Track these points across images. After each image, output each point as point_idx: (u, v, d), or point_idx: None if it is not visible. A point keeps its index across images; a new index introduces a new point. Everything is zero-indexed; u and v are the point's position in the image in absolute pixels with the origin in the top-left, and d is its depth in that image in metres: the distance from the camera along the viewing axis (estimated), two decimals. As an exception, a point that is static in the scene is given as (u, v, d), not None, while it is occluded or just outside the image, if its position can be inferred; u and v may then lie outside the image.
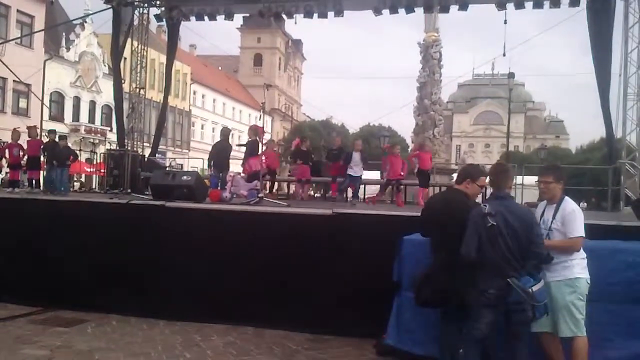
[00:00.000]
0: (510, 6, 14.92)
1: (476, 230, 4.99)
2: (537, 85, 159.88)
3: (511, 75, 34.96)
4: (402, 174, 13.61)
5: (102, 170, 18.48)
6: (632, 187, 13.60)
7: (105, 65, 41.94)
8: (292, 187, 21.56)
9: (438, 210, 5.63)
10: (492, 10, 15.09)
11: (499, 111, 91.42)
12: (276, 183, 17.26)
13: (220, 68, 73.08)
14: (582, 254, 5.27)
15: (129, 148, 17.16)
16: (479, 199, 5.87)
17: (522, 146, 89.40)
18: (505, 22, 15.30)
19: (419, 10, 16.11)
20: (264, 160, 13.58)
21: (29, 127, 15.67)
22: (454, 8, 15.51)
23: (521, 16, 16.25)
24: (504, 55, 16.19)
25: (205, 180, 12.13)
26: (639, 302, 5.90)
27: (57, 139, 15.02)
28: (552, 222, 5.28)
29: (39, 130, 17.07)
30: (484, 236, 4.95)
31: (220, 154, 12.95)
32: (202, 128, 59.92)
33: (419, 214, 6.07)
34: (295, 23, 17.32)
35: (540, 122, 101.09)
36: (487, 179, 5.58)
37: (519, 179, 16.39)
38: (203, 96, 60.44)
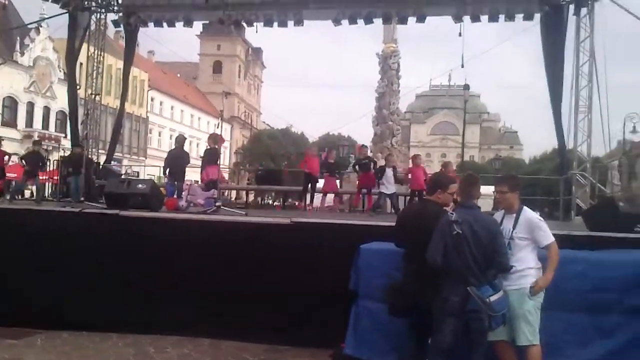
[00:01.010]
0: (466, 19, 15.27)
1: (442, 237, 5.04)
2: (493, 97, 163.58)
3: (466, 86, 35.60)
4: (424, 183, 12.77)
5: (56, 178, 18.02)
6: (583, 197, 13.98)
7: (60, 71, 40.96)
8: (251, 196, 21.44)
9: (411, 221, 5.68)
10: (449, 23, 15.42)
11: (455, 122, 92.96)
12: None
13: (179, 75, 72.30)
14: (538, 263, 5.37)
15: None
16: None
17: (478, 156, 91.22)
18: (460, 34, 15.53)
19: (378, 21, 16.34)
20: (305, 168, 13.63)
21: None
22: (412, 20, 15.81)
23: (478, 28, 16.58)
24: (462, 66, 16.41)
25: (161, 188, 11.94)
26: (590, 310, 6.06)
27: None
28: (512, 231, 5.34)
29: None
30: (450, 244, 5.01)
31: (176, 162, 12.78)
32: (159, 135, 59.10)
33: (379, 223, 6.11)
34: (256, 32, 17.34)
35: (495, 132, 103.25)
36: (458, 188, 5.66)
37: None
38: (161, 103, 59.66)
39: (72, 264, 8.02)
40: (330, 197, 15.42)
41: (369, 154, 16.90)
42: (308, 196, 14.56)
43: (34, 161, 14.26)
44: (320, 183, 14.86)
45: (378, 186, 13.22)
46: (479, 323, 4.95)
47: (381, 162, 14.72)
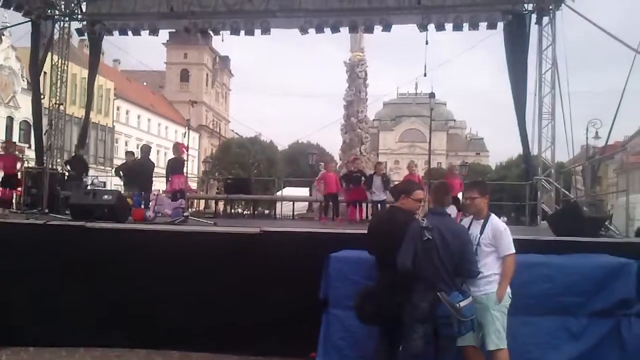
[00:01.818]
0: (431, 27, 15.45)
1: (413, 243, 5.06)
2: (459, 104, 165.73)
3: (432, 95, 36.05)
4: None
5: (20, 189, 17.62)
6: (548, 202, 14.22)
7: (24, 80, 40.10)
8: (220, 205, 21.24)
9: (380, 228, 5.71)
10: (415, 31, 15.57)
11: (423, 129, 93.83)
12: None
13: (145, 83, 71.50)
14: (503, 269, 5.42)
15: (48, 166, 16.44)
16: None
17: (445, 163, 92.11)
18: (427, 42, 15.68)
19: (345, 30, 16.41)
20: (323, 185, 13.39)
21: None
22: (377, 29, 15.92)
23: (444, 37, 16.81)
24: (425, 75, 16.56)
25: (127, 199, 11.75)
26: (556, 313, 6.16)
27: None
28: (479, 237, 5.40)
29: None
30: (420, 249, 5.03)
31: (140, 172, 12.59)
32: (126, 145, 58.13)
33: (348, 230, 6.12)
34: (222, 40, 17.28)
35: (462, 139, 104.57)
36: (429, 195, 5.70)
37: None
38: (127, 112, 58.91)
39: (37, 277, 7.83)
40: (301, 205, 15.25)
41: (339, 161, 16.79)
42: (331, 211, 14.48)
43: (80, 166, 13.39)
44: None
45: (370, 195, 13.19)
46: (449, 328, 4.98)
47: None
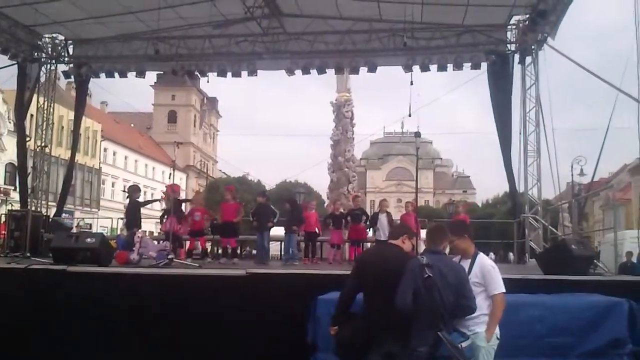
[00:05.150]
0: (416, 68, 15.65)
1: (413, 280, 4.93)
2: (445, 143, 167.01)
3: (417, 134, 36.13)
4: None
5: (3, 232, 17.37)
6: (535, 239, 14.20)
7: (10, 122, 39.89)
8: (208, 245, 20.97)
9: (375, 265, 5.50)
10: (400, 71, 15.77)
11: (410, 167, 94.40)
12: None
13: (132, 125, 71.63)
14: (492, 309, 5.33)
15: (32, 208, 16.24)
16: None
17: (432, 201, 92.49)
18: (411, 83, 15.82)
19: (331, 71, 16.61)
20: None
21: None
22: (363, 70, 16.12)
23: (429, 77, 17.01)
24: (410, 115, 16.69)
25: (111, 241, 11.59)
26: (546, 355, 6.05)
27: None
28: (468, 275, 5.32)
29: None
30: (421, 287, 4.91)
31: (127, 212, 12.52)
32: (112, 186, 57.95)
33: (335, 271, 6.00)
34: (208, 82, 17.45)
35: (448, 177, 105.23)
36: (424, 236, 5.62)
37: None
38: (114, 153, 58.77)
39: (19, 321, 7.62)
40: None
41: (326, 200, 16.70)
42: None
43: (265, 214, 12.64)
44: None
45: (374, 233, 12.85)
46: None
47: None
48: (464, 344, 4.85)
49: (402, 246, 5.50)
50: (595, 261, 9.52)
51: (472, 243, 5.52)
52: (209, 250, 15.32)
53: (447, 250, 5.42)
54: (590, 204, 44.88)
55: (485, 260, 5.41)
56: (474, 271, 5.32)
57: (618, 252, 10.18)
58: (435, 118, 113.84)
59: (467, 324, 5.18)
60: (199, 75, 17.69)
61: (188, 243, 13.26)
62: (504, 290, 5.28)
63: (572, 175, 27.72)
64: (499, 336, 5.27)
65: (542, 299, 6.35)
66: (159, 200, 13.59)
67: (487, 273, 5.30)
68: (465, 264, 5.41)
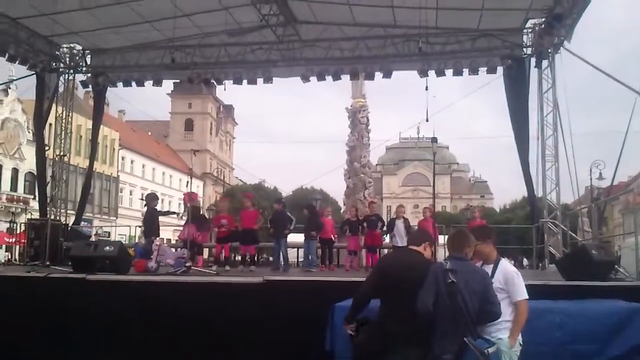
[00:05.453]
0: (431, 73, 15.58)
1: (435, 285, 4.87)
2: (461, 148, 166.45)
3: (434, 139, 35.94)
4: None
5: (23, 241, 17.57)
6: (555, 245, 14.01)
7: (29, 132, 40.55)
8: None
9: (400, 271, 5.42)
10: (415, 76, 15.70)
11: (426, 173, 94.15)
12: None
13: (150, 133, 72.24)
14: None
15: (51, 217, 16.41)
16: None
17: (449, 206, 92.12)
18: (427, 88, 15.70)
19: (346, 77, 16.59)
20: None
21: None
22: (378, 75, 16.09)
23: (444, 81, 16.93)
24: (427, 120, 16.58)
25: (130, 249, 11.66)
26: (569, 362, 5.96)
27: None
28: None
29: None
30: (444, 292, 4.84)
31: (145, 220, 12.60)
32: (130, 194, 58.44)
33: (353, 278, 5.95)
34: (225, 89, 17.51)
35: (465, 182, 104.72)
36: (447, 243, 5.56)
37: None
38: (132, 161, 59.30)
39: (38, 330, 7.69)
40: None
41: (342, 206, 16.61)
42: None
43: (281, 221, 12.68)
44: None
45: (390, 239, 12.76)
46: None
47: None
48: (490, 350, 4.78)
49: (424, 252, 5.45)
50: (616, 266, 9.38)
51: (495, 248, 5.47)
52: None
53: (470, 256, 5.35)
54: (609, 208, 44.43)
55: (508, 267, 5.36)
56: (497, 277, 5.26)
57: (639, 257, 9.97)
58: (450, 123, 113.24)
59: (489, 330, 5.11)
60: (215, 83, 17.79)
61: (214, 250, 13.33)
62: (527, 297, 5.22)
63: (590, 179, 27.54)
64: (521, 342, 5.21)
65: (563, 305, 6.26)
66: (176, 213, 13.64)
67: (510, 279, 5.24)
68: (487, 270, 5.35)
